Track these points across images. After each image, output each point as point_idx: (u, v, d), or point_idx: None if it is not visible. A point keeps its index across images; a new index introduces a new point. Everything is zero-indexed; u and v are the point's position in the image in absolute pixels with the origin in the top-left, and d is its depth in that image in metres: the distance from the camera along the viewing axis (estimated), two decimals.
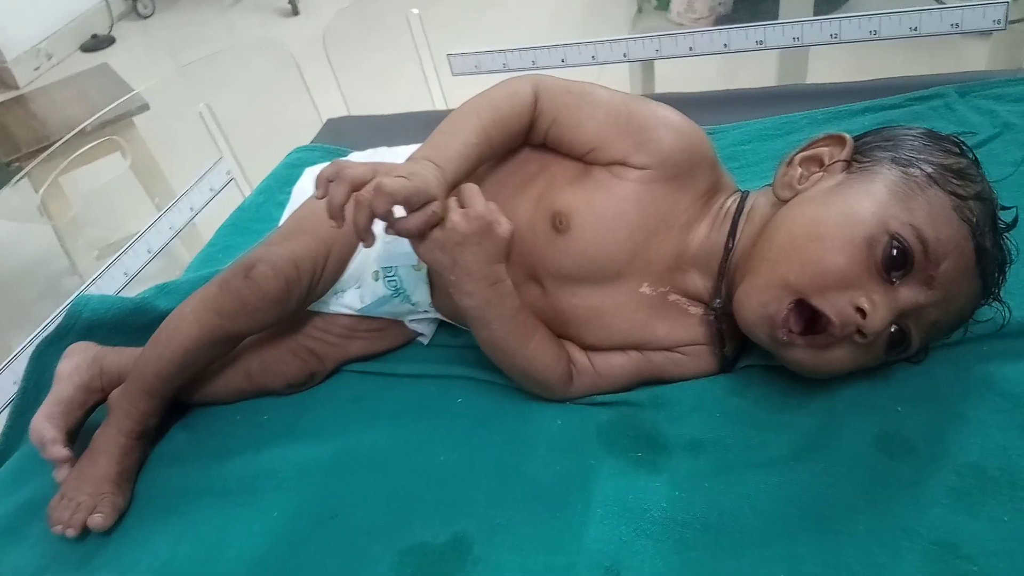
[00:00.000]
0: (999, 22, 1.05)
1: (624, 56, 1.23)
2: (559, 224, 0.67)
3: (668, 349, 0.70)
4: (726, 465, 0.63)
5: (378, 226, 0.60)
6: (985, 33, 1.35)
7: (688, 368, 0.70)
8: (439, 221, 0.61)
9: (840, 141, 0.66)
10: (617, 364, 0.71)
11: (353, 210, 0.59)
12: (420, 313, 0.81)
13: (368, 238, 0.60)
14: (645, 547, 0.58)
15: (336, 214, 0.59)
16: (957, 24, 1.06)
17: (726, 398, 0.68)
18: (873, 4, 1.16)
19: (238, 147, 1.24)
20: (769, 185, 0.68)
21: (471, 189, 0.64)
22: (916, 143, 0.63)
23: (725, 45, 1.17)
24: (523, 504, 0.62)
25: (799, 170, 0.66)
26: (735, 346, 0.69)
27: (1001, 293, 0.64)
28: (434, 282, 0.77)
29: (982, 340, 0.67)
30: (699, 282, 0.68)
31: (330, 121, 1.41)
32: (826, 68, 1.61)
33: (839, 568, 0.54)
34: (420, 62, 1.30)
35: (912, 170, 0.61)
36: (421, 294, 0.78)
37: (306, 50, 1.49)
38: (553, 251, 0.68)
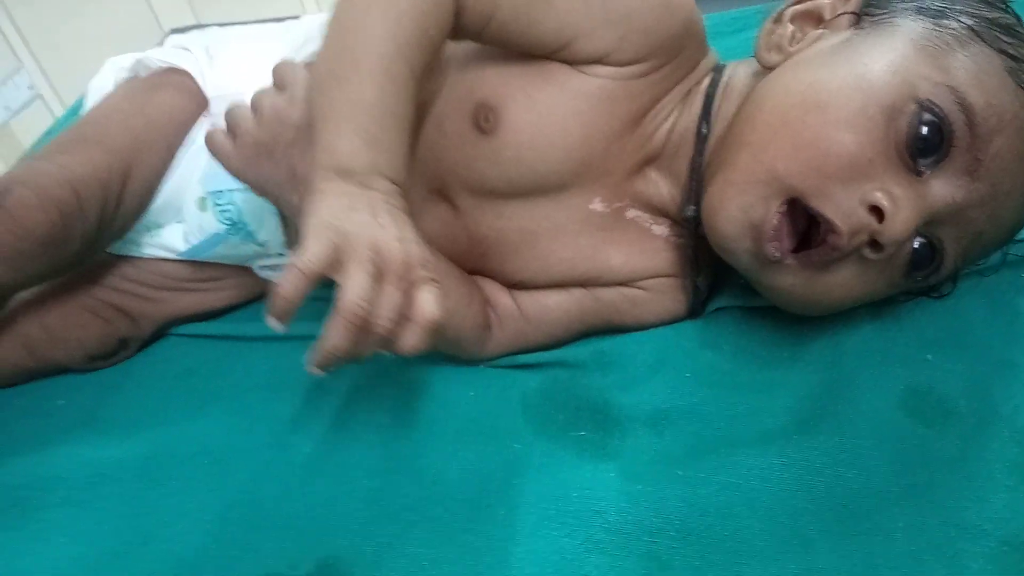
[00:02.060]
0: None
1: None
2: (484, 121, 0.54)
3: (623, 284, 0.58)
4: (704, 444, 0.51)
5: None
6: None
7: (647, 309, 0.58)
8: None
9: None
10: (553, 304, 0.59)
11: (366, 346, 0.43)
12: (272, 257, 0.68)
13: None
14: (600, 568, 0.45)
15: (331, 361, 0.44)
16: None
17: (697, 352, 0.56)
18: None
19: (50, 60, 1.01)
20: (747, 61, 0.56)
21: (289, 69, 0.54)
22: None
23: None
24: (420, 513, 0.50)
25: (790, 28, 0.53)
26: (709, 276, 0.58)
27: None
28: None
29: (1018, 266, 0.56)
30: (664, 189, 0.56)
31: (174, 31, 1.24)
32: None
33: None
34: None
35: (946, 21, 0.48)
36: (270, 230, 0.65)
37: None
38: (473, 157, 0.55)
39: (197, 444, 0.58)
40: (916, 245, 0.48)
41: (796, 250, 0.49)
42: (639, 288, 0.58)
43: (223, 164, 0.54)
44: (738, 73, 0.55)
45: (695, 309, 0.58)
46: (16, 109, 0.98)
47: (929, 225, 0.47)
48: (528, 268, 0.58)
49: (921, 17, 0.49)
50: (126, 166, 0.62)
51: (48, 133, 1.02)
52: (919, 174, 0.46)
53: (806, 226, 0.48)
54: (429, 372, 0.60)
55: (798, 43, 0.53)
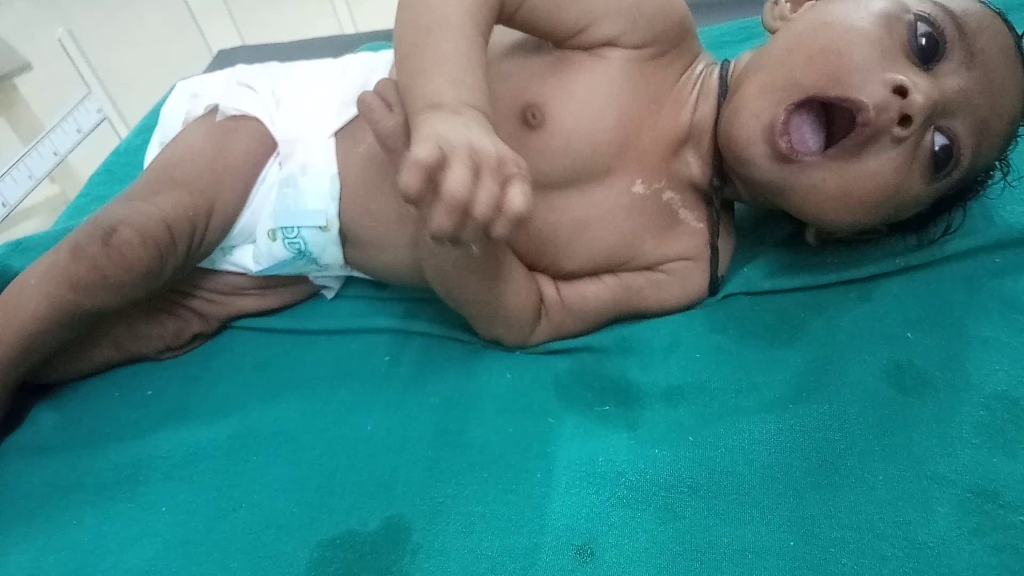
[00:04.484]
0: None
1: None
2: (532, 118, 0.58)
3: (650, 269, 0.62)
4: (712, 414, 0.55)
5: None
6: None
7: (670, 292, 0.63)
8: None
9: None
10: (591, 295, 0.62)
11: (467, 231, 0.45)
12: (331, 271, 0.72)
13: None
14: (623, 518, 0.50)
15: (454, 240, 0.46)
16: None
17: (706, 335, 0.60)
18: None
19: (112, 83, 1.06)
20: (753, 48, 0.60)
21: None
22: None
23: None
24: (470, 477, 0.55)
25: (788, 5, 0.59)
26: (731, 246, 0.64)
27: (1010, 190, 0.59)
28: (348, 239, 0.67)
29: (993, 251, 0.60)
30: (695, 166, 0.60)
31: (222, 52, 1.27)
32: None
33: (860, 530, 0.46)
34: None
35: None
36: (332, 256, 0.68)
37: None
38: (527, 153, 0.57)
39: (275, 425, 0.62)
40: (937, 140, 0.52)
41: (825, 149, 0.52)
42: (662, 272, 0.62)
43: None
44: (744, 57, 0.60)
45: (713, 283, 0.62)
46: (87, 131, 1.03)
47: (943, 116, 0.51)
48: (578, 257, 0.61)
49: None
50: (209, 205, 0.65)
51: (116, 153, 1.06)
52: (926, 69, 0.51)
53: (827, 133, 0.52)
54: (473, 360, 0.64)
55: (798, 9, 0.58)
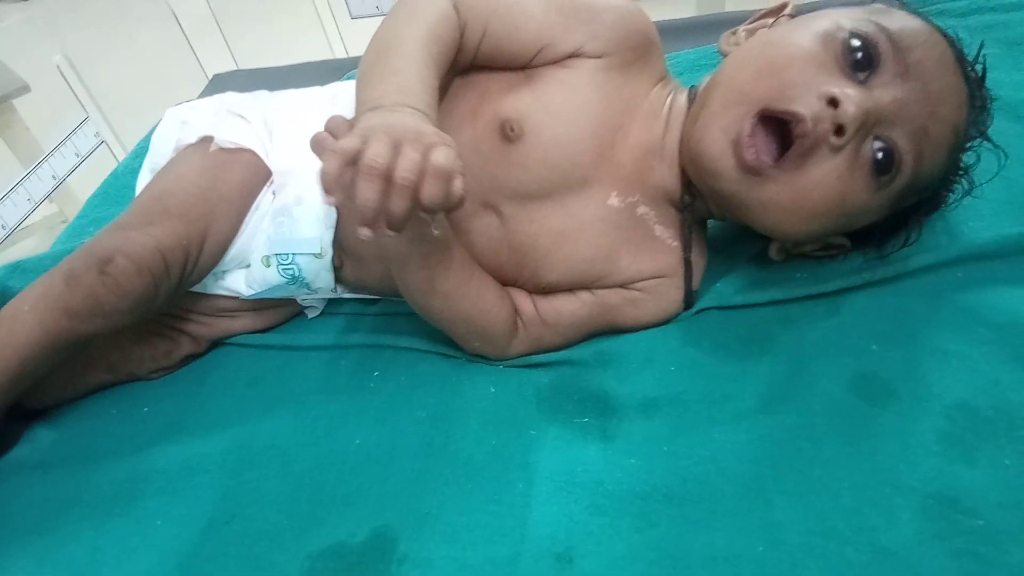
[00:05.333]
0: None
1: None
2: (510, 132, 0.60)
3: (625, 286, 0.63)
4: (686, 425, 0.56)
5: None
6: None
7: (646, 309, 0.64)
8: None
9: (782, 6, 0.63)
10: (567, 310, 0.64)
11: (395, 200, 0.45)
12: (320, 295, 0.75)
13: (405, 227, 0.47)
14: (601, 527, 0.51)
15: (373, 220, 0.46)
16: None
17: (680, 349, 0.62)
18: None
19: (109, 107, 1.08)
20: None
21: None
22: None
23: None
24: (455, 488, 0.56)
25: (744, 34, 0.63)
26: (703, 262, 0.65)
27: (972, 206, 0.61)
28: (347, 254, 0.69)
29: (956, 265, 0.62)
30: (668, 179, 0.62)
31: (216, 77, 1.29)
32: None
33: (826, 535, 0.48)
34: (314, 5, 1.17)
35: (870, 6, 0.59)
36: (324, 281, 0.70)
37: (188, 6, 1.35)
38: (508, 165, 0.61)
39: (268, 440, 0.63)
40: (875, 147, 0.54)
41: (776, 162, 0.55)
42: (639, 290, 0.63)
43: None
44: (705, 80, 0.62)
45: (688, 299, 0.64)
46: (85, 154, 1.04)
47: (880, 125, 0.54)
48: (557, 269, 0.63)
49: (850, 4, 0.58)
50: (203, 234, 0.66)
51: (113, 175, 1.07)
52: (860, 82, 0.54)
53: (781, 147, 0.55)
54: (459, 375, 0.65)
55: (750, 37, 0.62)
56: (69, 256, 0.65)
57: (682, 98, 0.63)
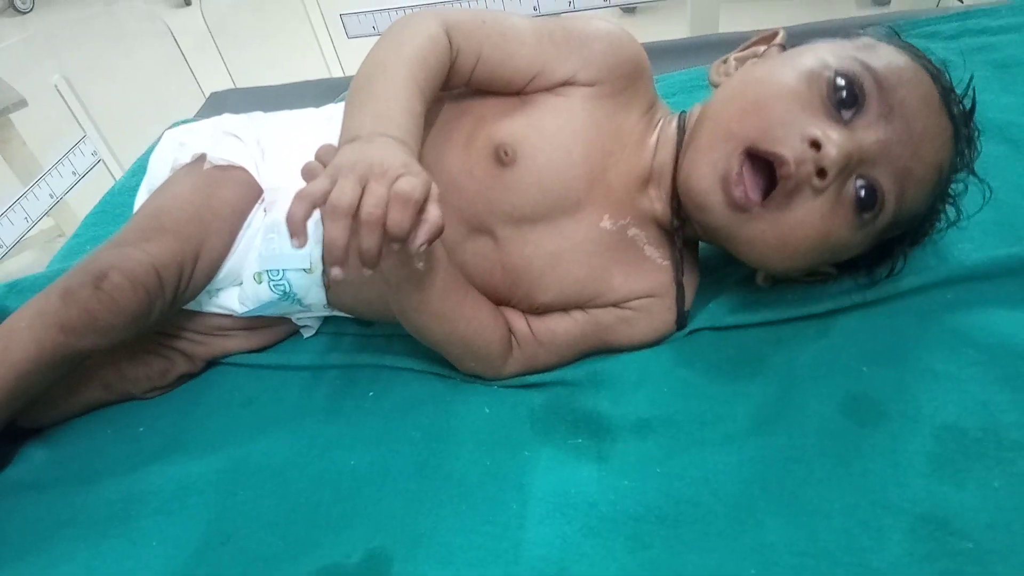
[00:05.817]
0: None
1: (534, 9, 1.15)
2: (504, 156, 0.61)
3: (617, 305, 0.64)
4: (679, 446, 0.57)
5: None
6: None
7: (639, 327, 0.64)
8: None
9: (773, 35, 0.64)
10: (561, 329, 0.64)
11: (364, 236, 0.46)
12: (313, 311, 0.75)
13: (379, 262, 0.48)
14: (594, 548, 0.51)
15: (342, 258, 0.46)
16: None
17: (673, 370, 0.62)
18: None
19: (107, 125, 1.08)
20: (704, 101, 0.64)
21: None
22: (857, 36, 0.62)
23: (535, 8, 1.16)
24: (449, 509, 0.55)
25: (734, 63, 0.64)
26: (695, 283, 0.66)
27: (962, 219, 0.62)
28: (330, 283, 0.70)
29: (946, 287, 0.62)
30: (657, 205, 0.63)
31: (213, 95, 1.29)
32: (736, 20, 1.57)
33: (817, 556, 0.48)
34: (311, 25, 1.18)
35: (858, 40, 0.59)
36: (315, 296, 0.71)
37: (185, 25, 1.36)
38: (502, 189, 0.61)
39: (263, 460, 0.63)
40: (858, 185, 0.55)
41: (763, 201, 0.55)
42: (631, 309, 0.63)
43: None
44: (696, 109, 0.63)
45: (680, 317, 0.64)
46: (82, 173, 1.04)
47: (863, 165, 0.54)
48: (550, 290, 0.63)
49: (838, 38, 0.59)
50: (196, 251, 0.66)
51: (110, 193, 1.07)
52: (844, 122, 0.54)
53: (768, 185, 0.55)
54: (454, 395, 0.65)
55: (740, 68, 0.62)
56: (65, 273, 0.65)
57: (671, 127, 0.63)
